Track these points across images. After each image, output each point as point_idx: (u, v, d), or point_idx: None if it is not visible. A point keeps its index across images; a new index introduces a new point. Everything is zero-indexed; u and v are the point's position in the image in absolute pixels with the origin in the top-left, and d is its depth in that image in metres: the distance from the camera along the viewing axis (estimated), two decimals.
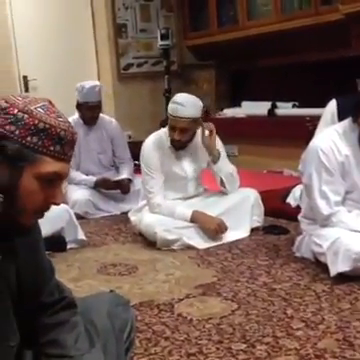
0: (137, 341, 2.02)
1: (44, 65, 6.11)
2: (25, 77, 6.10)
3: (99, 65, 6.59)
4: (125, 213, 4.10)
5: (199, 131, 3.52)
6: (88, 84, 4.40)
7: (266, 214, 3.70)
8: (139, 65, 6.69)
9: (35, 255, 1.46)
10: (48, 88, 5.80)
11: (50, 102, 1.32)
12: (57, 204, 1.31)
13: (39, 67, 6.07)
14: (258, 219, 3.64)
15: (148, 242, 3.45)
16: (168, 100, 6.31)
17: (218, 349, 2.04)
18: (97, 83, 4.55)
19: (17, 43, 6.03)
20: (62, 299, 1.53)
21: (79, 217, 3.89)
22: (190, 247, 3.35)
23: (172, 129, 3.44)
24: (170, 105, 3.45)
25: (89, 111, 4.39)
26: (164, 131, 3.61)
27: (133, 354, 1.79)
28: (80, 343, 1.47)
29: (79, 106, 4.39)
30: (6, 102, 1.26)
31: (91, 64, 6.55)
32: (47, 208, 1.30)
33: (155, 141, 3.56)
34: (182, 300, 2.54)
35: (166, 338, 2.15)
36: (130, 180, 4.45)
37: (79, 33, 6.40)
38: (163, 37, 6.24)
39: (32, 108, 1.24)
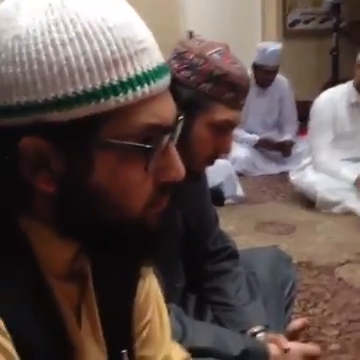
0: (295, 300, 1.98)
1: (209, 20, 6.11)
2: (190, 32, 6.17)
3: (265, 21, 6.44)
4: (284, 173, 4.02)
5: None
6: (270, 47, 4.19)
7: None
8: (306, 22, 6.42)
9: (201, 202, 1.47)
10: None
11: (227, 47, 1.28)
12: (227, 153, 1.30)
13: (204, 22, 6.07)
14: None
15: (307, 203, 3.35)
16: (335, 59, 6.03)
17: None
18: (278, 46, 4.26)
19: None
20: (225, 249, 1.53)
21: (237, 174, 3.88)
22: (351, 212, 3.19)
23: None
24: None
25: (266, 74, 4.23)
26: (343, 88, 3.42)
27: (292, 313, 1.75)
28: (241, 294, 1.46)
29: (255, 67, 4.21)
30: (183, 46, 1.25)
31: (256, 20, 6.42)
32: (217, 156, 1.28)
33: (330, 97, 3.39)
34: (343, 265, 2.44)
35: (326, 301, 2.09)
36: (293, 142, 4.31)
37: None
38: None
39: (208, 53, 1.21)
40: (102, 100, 0.55)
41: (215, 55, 1.22)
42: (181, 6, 6.14)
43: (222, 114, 1.21)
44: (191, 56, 1.21)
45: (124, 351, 0.73)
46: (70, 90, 0.55)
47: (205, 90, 1.20)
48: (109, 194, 0.58)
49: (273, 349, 1.29)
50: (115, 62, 0.56)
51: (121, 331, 0.74)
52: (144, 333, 0.80)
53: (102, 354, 0.71)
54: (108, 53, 0.55)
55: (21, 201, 0.59)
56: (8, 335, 0.55)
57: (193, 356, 0.92)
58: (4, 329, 0.55)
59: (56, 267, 0.64)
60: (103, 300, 0.70)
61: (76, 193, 0.58)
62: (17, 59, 0.55)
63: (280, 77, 4.46)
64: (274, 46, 4.22)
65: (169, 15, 5.92)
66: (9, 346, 0.55)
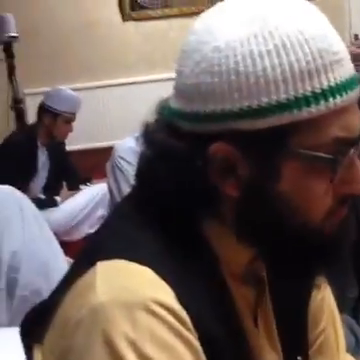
0: None
1: None
2: (356, 35, 5.92)
3: None
4: None
5: None
6: None
7: None
8: None
9: None
10: None
11: None
12: None
13: None
14: None
15: None
16: None
17: None
18: None
19: (350, 1, 5.88)
20: None
21: None
22: None
23: None
24: None
25: None
26: None
27: None
28: None
29: None
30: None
31: None
32: None
33: None
34: None
35: None
36: None
37: None
38: None
39: None
40: (295, 110, 0.56)
41: None
42: (347, 9, 5.94)
43: None
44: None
45: (299, 358, 0.72)
46: (264, 100, 0.56)
47: None
48: (291, 203, 0.59)
49: None
50: (310, 73, 0.57)
51: (296, 337, 0.73)
52: (318, 341, 0.78)
53: (278, 359, 0.70)
54: (304, 64, 0.56)
55: (207, 204, 0.61)
56: (195, 333, 0.56)
57: None
58: (191, 326, 0.56)
59: (234, 268, 0.65)
60: (278, 305, 0.70)
61: (259, 200, 0.60)
62: (216, 69, 0.58)
63: None
64: None
65: (334, 18, 5.73)
66: (196, 343, 0.56)
